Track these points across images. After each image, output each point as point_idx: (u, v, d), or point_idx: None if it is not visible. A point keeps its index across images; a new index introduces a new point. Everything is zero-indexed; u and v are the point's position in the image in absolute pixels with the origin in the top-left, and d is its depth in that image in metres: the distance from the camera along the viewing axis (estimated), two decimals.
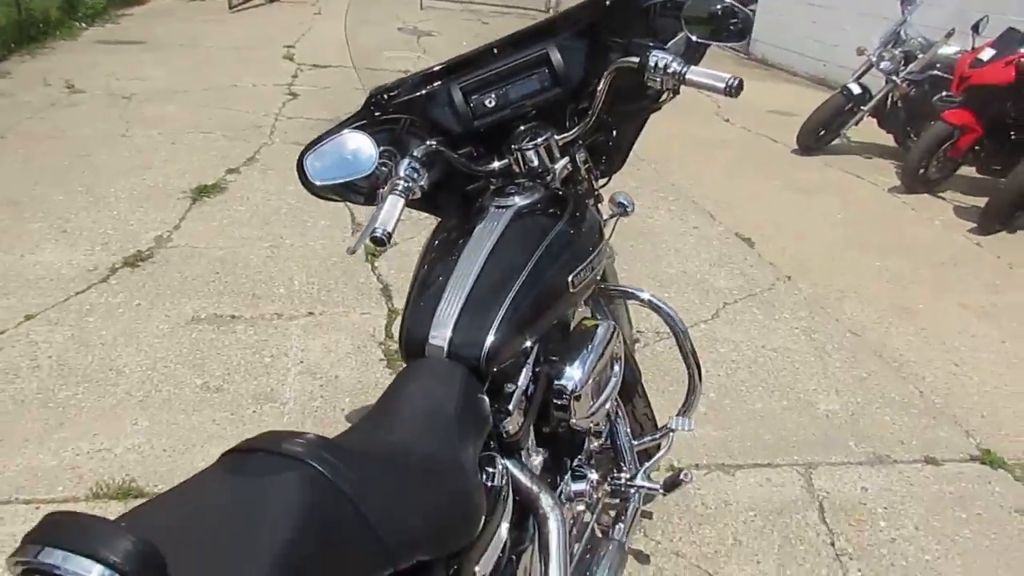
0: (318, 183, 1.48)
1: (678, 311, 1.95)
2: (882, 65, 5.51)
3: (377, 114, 1.58)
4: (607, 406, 1.65)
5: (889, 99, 5.65)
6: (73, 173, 4.47)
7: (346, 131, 1.47)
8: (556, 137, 1.61)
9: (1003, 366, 3.15)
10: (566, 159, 1.67)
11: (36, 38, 7.79)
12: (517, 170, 1.61)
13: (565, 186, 1.69)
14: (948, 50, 5.38)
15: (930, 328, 3.42)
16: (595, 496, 1.72)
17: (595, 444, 1.78)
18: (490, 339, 1.33)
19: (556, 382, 1.49)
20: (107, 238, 3.69)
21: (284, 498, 0.88)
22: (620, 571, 1.71)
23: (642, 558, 2.06)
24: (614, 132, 1.82)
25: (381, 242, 1.34)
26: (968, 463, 2.56)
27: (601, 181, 1.90)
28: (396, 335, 1.42)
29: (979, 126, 4.87)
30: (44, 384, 2.59)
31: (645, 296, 1.91)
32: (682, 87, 1.50)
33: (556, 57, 1.59)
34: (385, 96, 1.58)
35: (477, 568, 1.19)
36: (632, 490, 1.82)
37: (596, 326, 1.62)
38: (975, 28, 5.21)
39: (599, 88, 1.54)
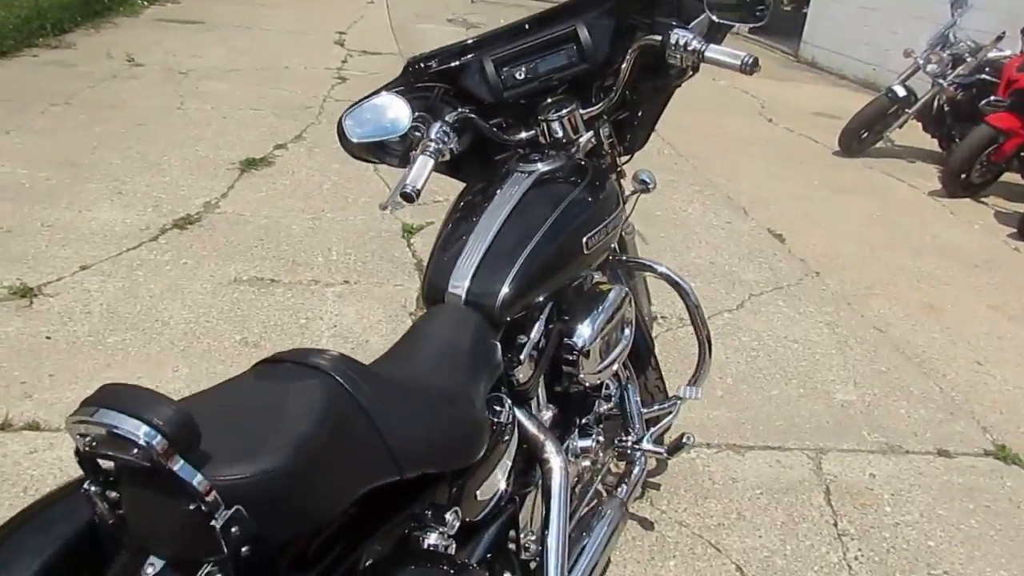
0: (355, 140, 1.56)
1: (704, 300, 2.02)
2: (929, 68, 5.47)
3: (413, 81, 1.67)
4: (615, 367, 1.73)
5: (935, 102, 5.61)
6: (130, 140, 4.67)
7: (384, 94, 1.56)
8: (581, 111, 1.69)
9: None
10: (590, 133, 1.75)
11: (100, 13, 8.07)
12: (543, 141, 1.69)
13: (588, 159, 1.77)
14: (997, 54, 5.32)
15: (956, 327, 3.43)
16: (600, 455, 1.81)
17: (604, 407, 1.86)
18: (505, 290, 1.43)
19: (566, 339, 1.59)
20: (159, 201, 3.86)
21: (305, 400, 0.99)
22: (619, 528, 1.79)
23: (646, 525, 2.13)
24: (638, 111, 1.89)
25: (410, 198, 1.45)
26: (981, 457, 2.58)
27: (624, 158, 1.96)
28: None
29: None
30: (95, 328, 2.76)
31: (661, 269, 1.99)
32: (702, 65, 1.58)
33: (584, 34, 1.67)
34: (422, 64, 1.68)
35: (478, 492, 1.29)
36: (637, 453, 1.90)
37: (609, 290, 1.71)
38: None
39: (623, 65, 1.62)
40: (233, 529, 0.85)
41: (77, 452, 0.91)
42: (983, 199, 5.23)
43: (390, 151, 1.66)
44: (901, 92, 5.56)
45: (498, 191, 1.60)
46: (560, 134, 1.68)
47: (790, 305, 3.47)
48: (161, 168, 4.30)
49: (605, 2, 1.70)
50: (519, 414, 1.49)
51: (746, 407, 2.69)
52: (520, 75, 1.69)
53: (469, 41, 1.69)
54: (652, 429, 1.96)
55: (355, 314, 3.04)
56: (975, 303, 3.71)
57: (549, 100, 1.70)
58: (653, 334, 2.33)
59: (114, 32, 7.64)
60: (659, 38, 1.55)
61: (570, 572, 1.57)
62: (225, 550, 0.86)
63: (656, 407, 2.05)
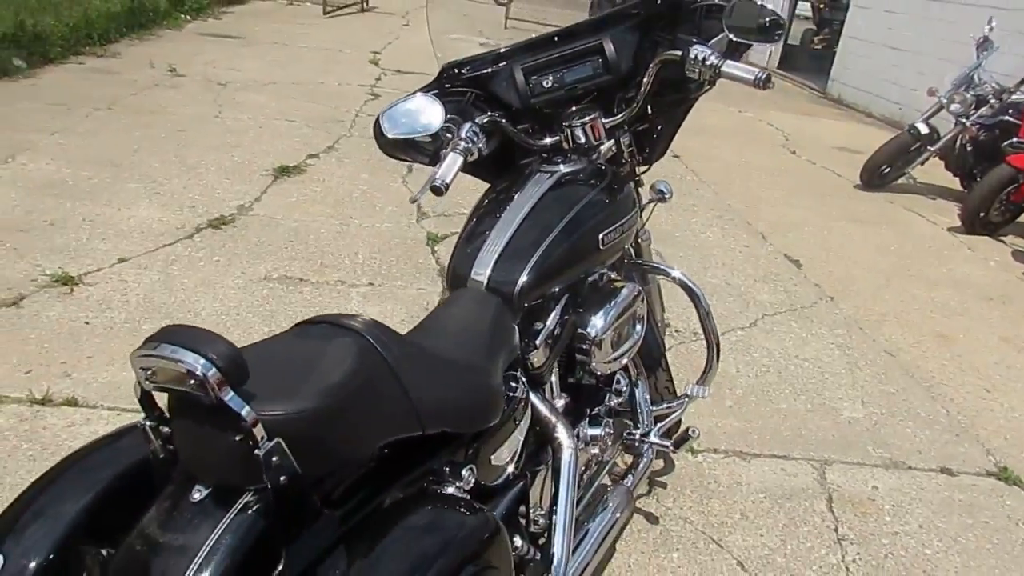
0: (390, 135, 1.67)
1: (718, 317, 2.10)
2: (952, 107, 5.54)
3: (447, 85, 1.79)
4: (625, 360, 1.83)
5: (957, 141, 5.67)
6: (169, 144, 4.85)
7: (419, 95, 1.68)
8: (604, 120, 1.80)
9: None
10: (611, 141, 1.86)
11: (145, 25, 8.37)
12: (566, 146, 1.80)
13: (607, 165, 1.88)
14: (1020, 97, 5.39)
15: (966, 356, 3.48)
16: (609, 445, 1.90)
17: (614, 401, 1.95)
18: (524, 278, 1.54)
19: (580, 329, 1.69)
20: (195, 202, 4.02)
21: (339, 354, 1.10)
22: (625, 516, 1.87)
23: (652, 519, 2.21)
24: (657, 124, 1.99)
25: (439, 191, 1.55)
26: (983, 477, 2.63)
27: (642, 168, 2.07)
28: None
29: None
30: (131, 316, 2.89)
31: (675, 273, 2.08)
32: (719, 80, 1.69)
33: (609, 48, 1.79)
34: (456, 70, 1.80)
35: (492, 457, 1.39)
36: (644, 446, 1.99)
37: (622, 286, 1.81)
38: None
39: (645, 78, 1.73)
40: (274, 460, 0.95)
41: (137, 389, 1.02)
42: (1001, 237, 5.28)
43: (421, 149, 1.77)
44: (924, 129, 5.63)
45: (521, 189, 1.71)
46: (583, 140, 1.79)
47: (803, 326, 3.54)
48: (198, 171, 4.46)
49: (631, 19, 1.82)
50: (533, 397, 1.59)
51: (754, 418, 2.76)
52: (547, 84, 1.80)
53: (502, 50, 1.81)
54: (659, 424, 2.05)
55: (378, 314, 3.16)
56: (987, 334, 3.76)
57: (574, 108, 1.81)
58: (666, 343, 2.42)
59: (157, 43, 7.91)
60: (680, 53, 1.66)
61: (574, 551, 1.66)
62: (265, 479, 0.96)
63: (664, 405, 2.13)
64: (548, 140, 1.81)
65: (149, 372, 0.97)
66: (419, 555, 1.02)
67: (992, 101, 5.47)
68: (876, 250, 4.72)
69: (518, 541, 1.47)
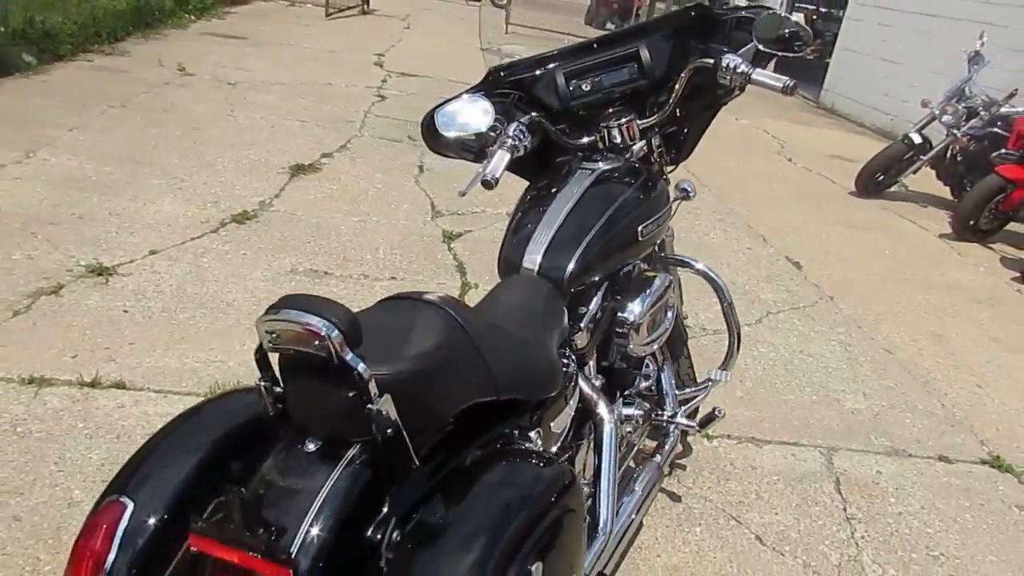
0: (444, 133, 1.79)
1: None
2: (944, 118, 5.73)
3: (492, 87, 1.93)
4: (658, 344, 1.97)
5: (948, 152, 5.87)
6: (185, 142, 4.96)
7: (470, 95, 1.81)
8: (638, 121, 1.94)
9: None
10: (643, 142, 2.00)
11: (151, 24, 8.45)
12: (601, 146, 1.94)
13: (642, 164, 2.02)
14: (1009, 109, 5.59)
15: (959, 354, 3.65)
16: (639, 424, 2.04)
17: (643, 384, 2.09)
18: (572, 265, 1.68)
19: (619, 314, 1.83)
20: (217, 198, 4.13)
21: (429, 324, 1.23)
22: (655, 489, 2.01)
23: (674, 498, 2.35)
24: (685, 126, 2.13)
25: (489, 185, 1.68)
26: (978, 465, 2.79)
27: (669, 168, 2.21)
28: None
29: None
30: (167, 305, 3.00)
31: (698, 266, 2.22)
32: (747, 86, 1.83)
33: (645, 54, 1.93)
34: (501, 73, 1.94)
35: (552, 424, 1.53)
36: (672, 426, 2.13)
37: (655, 276, 1.95)
38: None
39: (677, 83, 1.87)
40: (383, 414, 1.08)
41: (257, 351, 1.15)
42: (990, 244, 5.47)
43: (467, 147, 1.88)
44: (917, 139, 5.83)
45: (563, 185, 1.85)
46: (618, 140, 1.93)
47: (805, 324, 3.70)
48: (216, 169, 4.58)
49: (666, 29, 1.96)
50: (579, 376, 1.72)
51: (764, 407, 2.91)
52: (586, 87, 1.94)
53: (545, 55, 1.95)
54: (684, 408, 2.19)
55: None
56: (978, 335, 3.93)
57: (611, 110, 1.95)
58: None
59: (164, 43, 8.00)
60: (712, 61, 1.81)
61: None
62: (374, 432, 1.09)
63: (689, 388, 2.27)
64: (585, 139, 1.94)
65: (273, 335, 1.09)
66: (510, 500, 1.15)
67: (982, 113, 5.67)
68: (871, 254, 4.90)
69: None
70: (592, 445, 1.78)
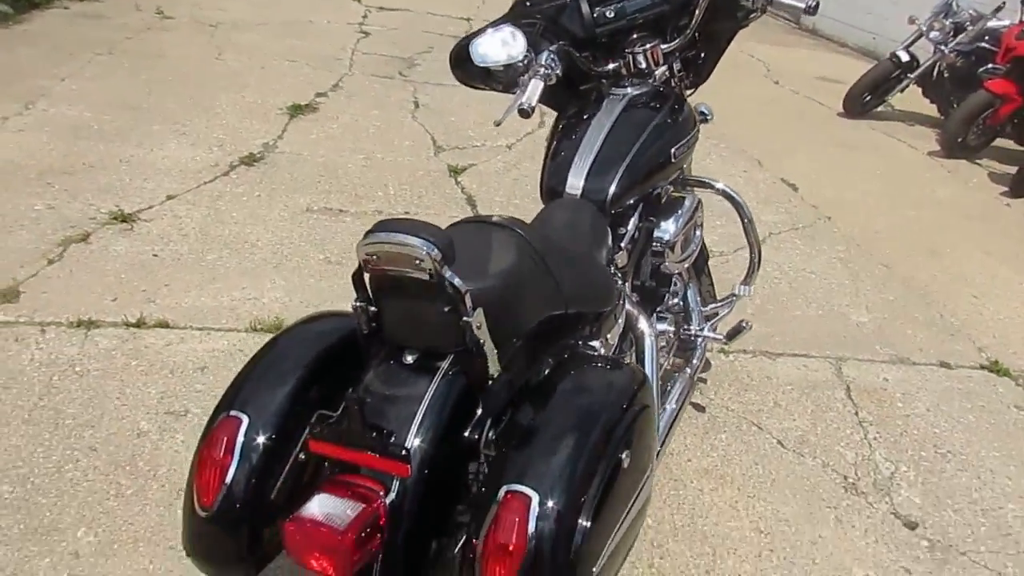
0: (480, 64, 1.84)
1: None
2: (931, 35, 5.78)
3: (519, 17, 1.97)
4: (688, 262, 2.08)
5: (936, 69, 5.92)
6: (179, 87, 4.92)
7: (504, 26, 1.86)
8: (662, 46, 2.01)
9: (1018, 302, 3.54)
10: (665, 67, 2.06)
11: None
12: (625, 72, 2.00)
13: (669, 88, 2.09)
14: (997, 23, 5.64)
15: (954, 268, 3.80)
16: (671, 340, 2.16)
17: (672, 302, 2.20)
18: (613, 187, 1.77)
19: (656, 233, 1.93)
20: (221, 141, 4.15)
21: (505, 244, 1.32)
22: (687, 399, 2.15)
23: (698, 408, 2.50)
24: (703, 51, 2.20)
25: (526, 114, 1.74)
26: (977, 370, 2.96)
27: (688, 91, 2.28)
28: None
29: (1020, 96, 5.17)
30: (193, 248, 3.07)
31: (719, 185, 2.32)
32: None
33: None
34: (527, 3, 1.99)
35: (608, 336, 1.64)
36: (699, 340, 2.25)
37: (685, 197, 2.06)
38: None
39: (698, 7, 1.93)
40: (475, 326, 1.18)
41: (355, 274, 1.24)
42: (978, 160, 5.59)
43: (497, 78, 1.94)
44: (905, 57, 5.88)
45: (596, 111, 1.93)
46: (643, 66, 1.99)
47: (806, 243, 3.83)
48: (216, 112, 4.57)
49: None
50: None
51: (773, 323, 3.05)
52: (610, 14, 1.99)
53: None
54: (712, 321, 2.31)
55: None
56: (971, 249, 4.08)
57: (635, 36, 2.00)
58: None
59: None
60: None
61: None
62: (468, 343, 1.19)
63: (713, 303, 2.40)
64: (610, 66, 2.00)
65: (374, 257, 1.18)
66: (594, 399, 1.27)
67: (969, 28, 5.71)
68: (864, 174, 5.01)
69: None
70: (634, 359, 1.90)
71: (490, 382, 1.25)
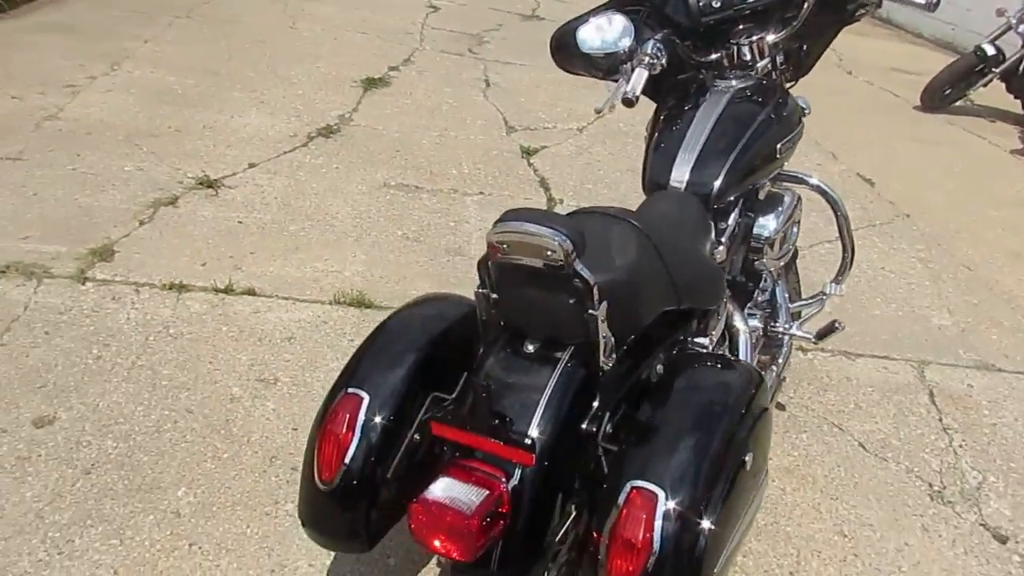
0: (585, 49, 1.82)
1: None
2: (1021, 28, 5.57)
3: (623, 4, 1.94)
4: (785, 260, 2.05)
5: (1022, 63, 5.72)
6: (256, 55, 4.98)
7: (610, 12, 1.84)
8: (768, 38, 1.97)
9: None
10: (768, 59, 2.02)
11: None
12: (727, 63, 1.97)
13: (773, 81, 2.05)
14: None
15: None
16: (760, 336, 2.14)
17: (761, 298, 2.18)
18: (719, 182, 1.75)
19: (755, 229, 1.90)
20: (298, 112, 4.19)
21: (625, 237, 1.32)
22: (775, 397, 2.13)
23: (778, 406, 2.47)
24: (805, 44, 2.15)
25: (630, 103, 1.72)
26: None
27: (788, 84, 2.23)
28: None
29: None
30: (276, 217, 3.12)
31: (813, 181, 2.27)
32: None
33: None
34: None
35: (713, 332, 1.63)
36: (786, 337, 2.23)
37: (785, 194, 2.02)
38: None
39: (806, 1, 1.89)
40: (601, 319, 1.18)
41: (481, 262, 1.24)
42: None
43: (598, 64, 1.92)
44: (990, 51, 5.67)
45: (700, 103, 1.90)
46: (747, 57, 1.96)
47: (884, 241, 3.75)
48: (292, 82, 4.62)
49: None
50: None
51: (853, 322, 2.99)
52: (716, 3, 1.95)
53: None
54: (800, 319, 2.28)
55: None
56: None
57: (741, 27, 1.97)
58: None
59: None
60: None
61: None
62: (591, 334, 1.20)
63: (802, 300, 2.36)
64: (713, 57, 1.97)
65: (504, 246, 1.18)
66: (714, 398, 1.26)
67: None
68: (942, 170, 4.87)
69: None
70: (729, 351, 1.88)
71: (600, 375, 1.26)
